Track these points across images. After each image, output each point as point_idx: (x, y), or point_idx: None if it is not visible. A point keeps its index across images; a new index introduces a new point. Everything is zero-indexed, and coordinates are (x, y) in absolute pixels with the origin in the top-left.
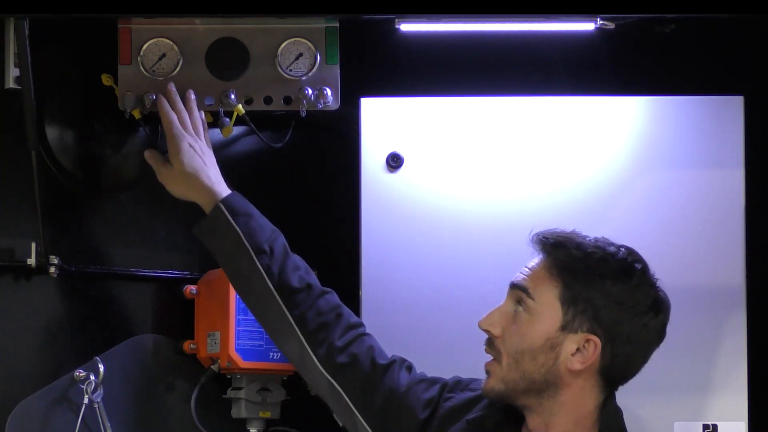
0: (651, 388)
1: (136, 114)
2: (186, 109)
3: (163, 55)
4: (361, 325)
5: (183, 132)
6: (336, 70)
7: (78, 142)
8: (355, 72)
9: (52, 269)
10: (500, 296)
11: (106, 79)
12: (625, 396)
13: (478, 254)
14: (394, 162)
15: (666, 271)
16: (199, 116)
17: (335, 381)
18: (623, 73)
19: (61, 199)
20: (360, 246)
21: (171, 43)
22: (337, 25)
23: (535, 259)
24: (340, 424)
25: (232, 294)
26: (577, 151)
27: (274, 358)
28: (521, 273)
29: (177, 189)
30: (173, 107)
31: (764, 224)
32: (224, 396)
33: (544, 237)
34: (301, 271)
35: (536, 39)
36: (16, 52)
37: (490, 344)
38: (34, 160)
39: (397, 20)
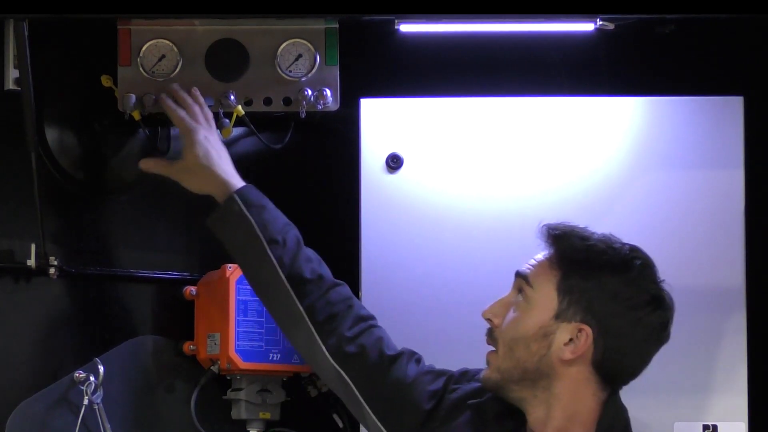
0: (651, 388)
1: (136, 115)
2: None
3: (163, 56)
4: (372, 317)
5: (196, 125)
6: (335, 71)
7: (78, 144)
8: (354, 73)
9: (52, 270)
10: (499, 295)
11: (105, 81)
12: (625, 397)
13: (478, 254)
14: (394, 163)
15: (666, 271)
16: (209, 110)
17: (343, 371)
18: (623, 74)
19: (61, 200)
20: (360, 246)
21: (170, 44)
22: (337, 26)
23: (542, 252)
24: (340, 425)
25: (232, 295)
26: (577, 151)
27: (274, 359)
28: (528, 263)
29: (192, 182)
30: (182, 103)
31: (764, 224)
32: (224, 397)
33: (549, 228)
34: (313, 263)
35: (536, 40)
36: (16, 54)
37: (490, 334)
38: (33, 162)
39: (396, 21)
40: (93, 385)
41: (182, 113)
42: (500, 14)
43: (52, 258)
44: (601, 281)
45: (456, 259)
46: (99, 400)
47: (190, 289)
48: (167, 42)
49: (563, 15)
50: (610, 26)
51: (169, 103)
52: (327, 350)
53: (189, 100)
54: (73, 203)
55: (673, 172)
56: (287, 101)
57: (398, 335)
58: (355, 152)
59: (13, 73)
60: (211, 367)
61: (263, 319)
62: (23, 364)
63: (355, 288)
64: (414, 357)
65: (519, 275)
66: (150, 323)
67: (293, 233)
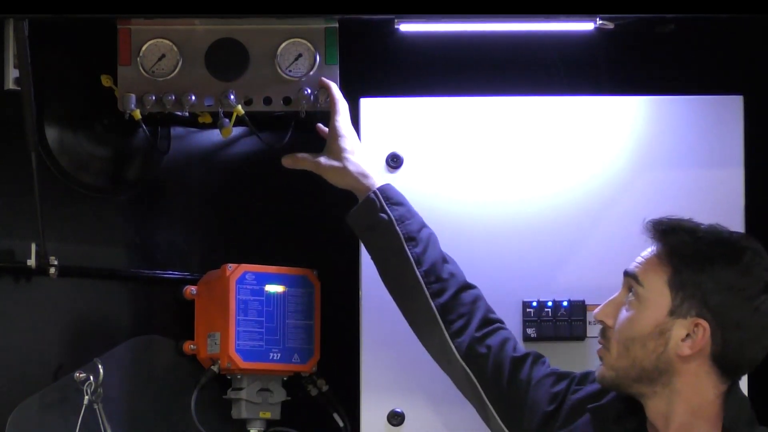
0: None
1: (136, 115)
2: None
3: (163, 55)
4: (500, 320)
5: (345, 129)
6: (335, 70)
7: (78, 143)
8: (354, 72)
9: (52, 270)
10: (499, 295)
11: (105, 80)
12: None
13: (477, 254)
14: (394, 162)
15: None
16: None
17: (470, 370)
18: (623, 73)
19: (61, 200)
20: (360, 246)
21: (170, 43)
22: (337, 25)
23: (649, 248)
24: (340, 425)
25: (232, 295)
26: (576, 151)
27: (274, 358)
28: (635, 261)
29: (335, 176)
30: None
31: (764, 224)
32: (224, 397)
33: (655, 224)
34: (448, 264)
35: (536, 39)
36: (16, 53)
37: (603, 333)
38: (33, 162)
39: (396, 20)
40: (93, 385)
41: (346, 109)
42: (500, 14)
43: (52, 258)
44: (714, 274)
45: (455, 258)
46: (99, 400)
47: (190, 289)
48: (167, 42)
49: (563, 15)
50: (610, 26)
51: (338, 93)
52: (456, 350)
53: (338, 95)
54: (73, 203)
55: (673, 171)
56: (287, 101)
57: (399, 334)
58: None
59: (13, 73)
60: (212, 367)
61: (263, 319)
62: (23, 364)
63: (355, 288)
64: (540, 359)
65: (627, 274)
66: (150, 323)
67: (430, 232)
